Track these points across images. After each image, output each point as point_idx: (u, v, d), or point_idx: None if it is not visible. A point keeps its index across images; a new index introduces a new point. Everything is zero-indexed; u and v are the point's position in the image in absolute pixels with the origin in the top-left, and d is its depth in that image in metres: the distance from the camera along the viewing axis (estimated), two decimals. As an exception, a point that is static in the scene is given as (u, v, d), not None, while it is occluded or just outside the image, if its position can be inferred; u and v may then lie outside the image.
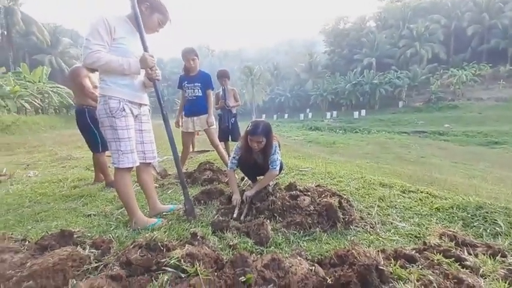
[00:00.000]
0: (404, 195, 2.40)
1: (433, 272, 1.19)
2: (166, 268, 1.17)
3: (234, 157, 2.38)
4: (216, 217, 1.95)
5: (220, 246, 1.56)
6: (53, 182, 3.37)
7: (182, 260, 1.18)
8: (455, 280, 1.12)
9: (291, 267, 1.22)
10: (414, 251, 1.38)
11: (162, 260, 1.23)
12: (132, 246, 1.37)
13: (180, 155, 2.74)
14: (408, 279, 1.13)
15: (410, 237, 1.67)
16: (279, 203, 2.01)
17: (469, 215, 1.87)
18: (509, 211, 1.84)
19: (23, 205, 2.55)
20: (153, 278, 1.15)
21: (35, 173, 4.05)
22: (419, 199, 2.26)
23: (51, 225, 1.97)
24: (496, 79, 32.38)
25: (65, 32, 38.03)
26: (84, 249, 1.39)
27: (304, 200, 2.04)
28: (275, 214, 1.95)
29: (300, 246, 1.59)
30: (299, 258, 1.35)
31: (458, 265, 1.25)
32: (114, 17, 1.69)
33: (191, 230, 1.66)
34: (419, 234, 1.69)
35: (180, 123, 3.44)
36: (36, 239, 1.55)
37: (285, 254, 1.45)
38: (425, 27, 37.59)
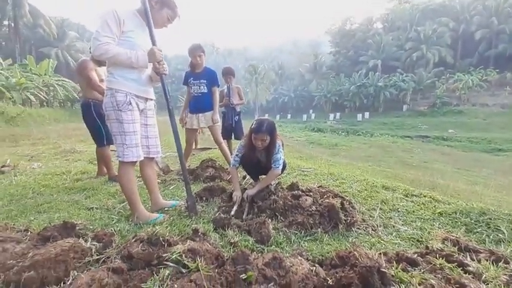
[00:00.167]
0: (407, 198, 2.39)
1: (435, 276, 1.18)
2: (168, 263, 1.18)
3: (237, 154, 2.38)
4: (217, 214, 1.96)
5: (221, 243, 1.56)
6: (56, 174, 3.39)
7: (184, 255, 1.18)
8: (457, 285, 1.12)
9: (291, 266, 1.22)
10: (416, 254, 1.37)
11: (164, 255, 1.23)
12: (133, 240, 1.38)
13: (183, 151, 2.75)
14: (410, 282, 1.12)
15: (413, 241, 1.66)
16: (281, 202, 2.01)
17: (472, 221, 1.86)
18: (513, 218, 1.83)
19: (26, 196, 2.57)
20: (154, 273, 1.15)
21: (38, 165, 4.07)
22: (422, 203, 2.25)
23: (54, 217, 1.98)
24: (503, 85, 32.02)
25: (72, 25, 38.20)
26: (86, 241, 1.40)
27: (306, 200, 2.04)
28: (277, 213, 1.95)
29: (301, 246, 1.59)
30: (300, 258, 1.34)
31: (461, 270, 1.24)
32: (124, 10, 1.69)
33: (193, 226, 1.67)
34: (421, 238, 1.68)
35: (185, 120, 3.44)
36: (39, 230, 1.56)
37: (285, 254, 1.44)
38: (432, 30, 37.26)
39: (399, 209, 2.13)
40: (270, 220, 1.81)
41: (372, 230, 1.79)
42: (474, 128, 23.92)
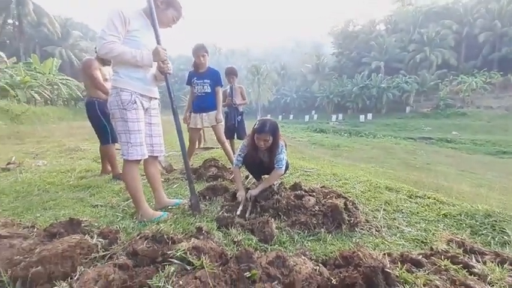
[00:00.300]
0: (411, 200, 2.38)
1: (440, 277, 1.18)
2: (172, 260, 1.18)
3: (239, 154, 2.38)
4: (220, 213, 1.96)
5: (224, 241, 1.57)
6: (61, 172, 3.42)
7: (188, 253, 1.18)
8: (462, 286, 1.11)
9: (295, 266, 1.22)
10: (421, 255, 1.36)
11: (168, 252, 1.24)
12: (138, 237, 1.39)
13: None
14: (415, 283, 1.12)
15: (417, 242, 1.66)
16: (284, 202, 2.01)
17: (478, 223, 1.85)
18: (519, 221, 1.81)
19: (31, 193, 2.59)
20: (159, 269, 1.16)
21: (43, 163, 4.11)
22: (426, 205, 2.24)
23: (59, 214, 2.00)
24: (507, 88, 31.75)
25: (75, 25, 38.49)
26: (92, 238, 1.41)
27: (309, 200, 2.04)
28: (280, 213, 1.95)
29: (304, 245, 1.59)
30: (303, 257, 1.35)
31: (466, 272, 1.23)
32: (130, 10, 1.71)
33: (196, 224, 1.68)
34: (425, 239, 1.68)
35: (188, 120, 3.46)
36: (45, 226, 1.57)
37: (289, 253, 1.44)
38: (436, 33, 37.05)
39: (403, 210, 2.13)
40: (273, 219, 1.81)
41: (376, 230, 1.79)
42: (478, 130, 23.73)
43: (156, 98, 1.98)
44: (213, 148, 5.39)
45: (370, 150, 13.44)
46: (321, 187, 2.46)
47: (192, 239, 1.38)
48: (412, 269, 1.25)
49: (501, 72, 32.18)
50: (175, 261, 1.18)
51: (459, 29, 37.65)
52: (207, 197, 2.33)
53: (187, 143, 3.05)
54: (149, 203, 2.07)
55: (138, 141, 1.79)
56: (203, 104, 3.27)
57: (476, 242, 1.61)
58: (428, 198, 2.39)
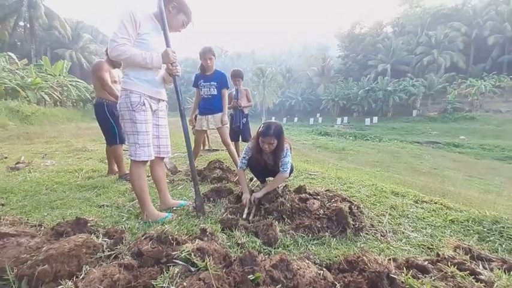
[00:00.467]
0: (417, 205, 2.34)
1: (446, 284, 1.16)
2: (177, 261, 1.19)
3: (244, 157, 2.39)
4: (225, 215, 1.97)
5: (228, 243, 1.57)
6: (68, 172, 3.48)
7: (192, 254, 1.19)
8: (469, 294, 1.09)
9: (299, 269, 1.21)
10: (427, 262, 1.34)
11: (173, 253, 1.25)
12: (143, 237, 1.40)
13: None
14: (420, 289, 1.11)
15: (423, 248, 1.63)
16: (288, 205, 2.00)
17: (485, 229, 1.82)
18: (528, 228, 1.77)
19: (39, 192, 2.64)
20: (163, 270, 1.17)
21: (51, 162, 4.19)
22: (433, 210, 2.20)
23: (66, 213, 2.03)
24: (517, 92, 31.16)
25: (86, 28, 39.19)
26: (97, 237, 1.43)
27: (313, 203, 2.03)
28: (284, 216, 1.95)
29: (308, 249, 1.58)
30: (307, 261, 1.34)
31: (473, 279, 1.21)
32: (141, 13, 1.75)
33: (201, 225, 1.68)
34: (432, 245, 1.65)
35: (194, 121, 3.49)
36: (52, 225, 1.60)
37: (293, 256, 1.44)
38: (444, 35, 36.61)
39: (409, 215, 2.10)
40: (277, 222, 1.81)
41: (381, 235, 1.77)
42: (487, 134, 23.25)
43: (164, 100, 2.01)
44: (218, 150, 5.41)
45: (375, 154, 13.30)
46: (325, 190, 2.44)
47: (197, 240, 1.39)
48: (418, 275, 1.24)
49: (511, 76, 31.56)
50: (180, 262, 1.19)
51: (468, 32, 37.10)
52: (211, 199, 2.34)
53: (192, 145, 3.08)
54: (154, 204, 2.09)
55: (145, 142, 1.82)
56: (209, 106, 3.30)
57: (483, 249, 1.58)
58: (435, 203, 2.35)
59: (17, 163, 3.92)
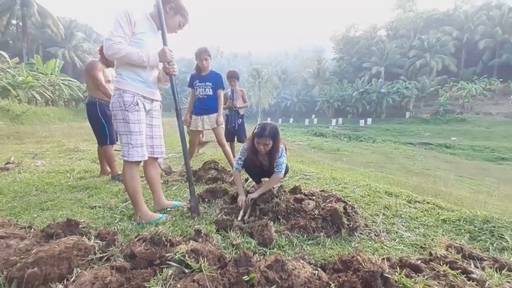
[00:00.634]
0: (410, 205, 2.37)
1: (438, 283, 1.17)
2: (171, 262, 1.18)
3: (240, 158, 2.38)
4: (219, 216, 1.96)
5: (223, 244, 1.56)
6: (59, 173, 3.42)
7: (187, 256, 1.18)
8: (461, 293, 1.11)
9: (294, 270, 1.21)
10: (420, 261, 1.36)
11: (166, 255, 1.24)
12: (136, 239, 1.38)
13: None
14: (413, 288, 1.12)
15: (416, 247, 1.65)
16: (283, 205, 2.01)
17: (476, 229, 1.85)
18: (518, 227, 1.81)
19: (29, 193, 2.58)
20: (157, 272, 1.16)
21: (42, 163, 4.10)
22: (426, 210, 2.23)
23: (57, 215, 1.99)
24: (506, 94, 31.88)
25: (79, 26, 38.60)
26: (89, 239, 1.41)
27: (308, 204, 2.03)
28: (279, 216, 1.95)
29: (303, 249, 1.58)
30: (302, 261, 1.34)
31: (465, 277, 1.23)
32: (137, 12, 1.73)
33: (195, 226, 1.67)
34: (424, 244, 1.67)
35: (188, 122, 3.47)
36: (42, 227, 1.57)
37: (288, 257, 1.44)
38: (436, 39, 37.32)
39: (402, 215, 2.12)
40: (272, 223, 1.81)
41: (375, 235, 1.78)
42: (477, 136, 23.76)
43: (157, 100, 1.99)
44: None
45: (369, 155, 13.44)
46: (320, 191, 2.45)
47: (191, 241, 1.38)
48: (411, 274, 1.25)
49: (501, 79, 32.35)
50: (174, 264, 1.18)
51: (459, 36, 37.90)
52: (206, 200, 2.32)
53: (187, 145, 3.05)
54: (148, 205, 2.06)
55: (138, 142, 1.79)
56: (205, 106, 3.29)
57: (475, 248, 1.60)
58: (428, 203, 2.39)
59: (6, 163, 3.83)
